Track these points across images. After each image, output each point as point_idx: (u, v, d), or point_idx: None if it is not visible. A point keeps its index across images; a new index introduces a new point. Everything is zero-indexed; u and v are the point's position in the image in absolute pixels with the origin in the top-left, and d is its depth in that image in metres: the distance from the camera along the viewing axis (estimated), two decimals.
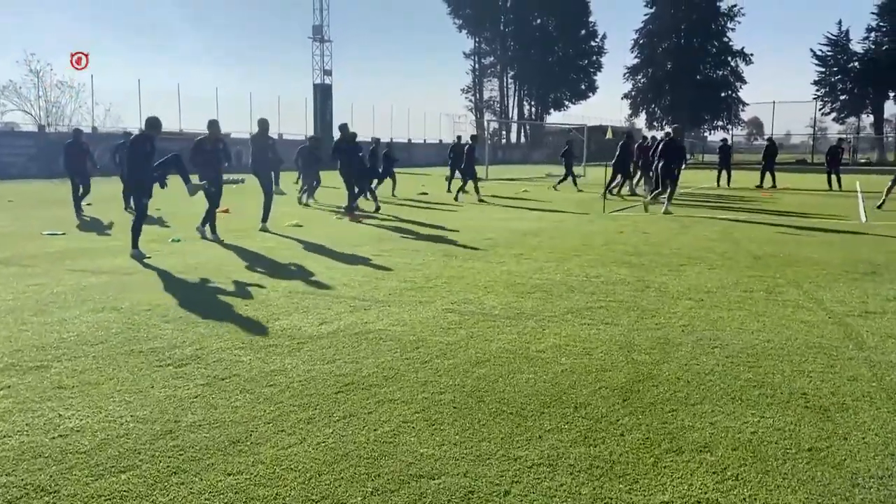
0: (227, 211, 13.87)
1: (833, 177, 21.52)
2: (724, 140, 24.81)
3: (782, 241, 9.66)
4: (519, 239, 10.07)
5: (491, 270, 7.50)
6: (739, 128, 69.48)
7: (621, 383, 3.89)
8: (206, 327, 5.09)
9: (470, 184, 17.44)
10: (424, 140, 52.90)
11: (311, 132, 49.22)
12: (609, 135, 15.62)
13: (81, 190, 13.61)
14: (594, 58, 71.68)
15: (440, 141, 53.12)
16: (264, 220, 11.15)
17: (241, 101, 42.44)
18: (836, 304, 5.78)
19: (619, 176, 18.48)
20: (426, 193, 19.38)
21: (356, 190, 13.52)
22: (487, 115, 69.03)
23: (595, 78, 71.97)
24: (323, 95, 49.26)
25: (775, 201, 17.12)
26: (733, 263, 7.84)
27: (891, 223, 11.80)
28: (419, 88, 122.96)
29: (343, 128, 13.42)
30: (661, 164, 13.70)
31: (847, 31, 59.45)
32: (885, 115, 61.97)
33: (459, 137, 17.55)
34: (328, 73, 49.52)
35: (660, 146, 14.24)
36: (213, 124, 10.07)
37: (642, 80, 67.75)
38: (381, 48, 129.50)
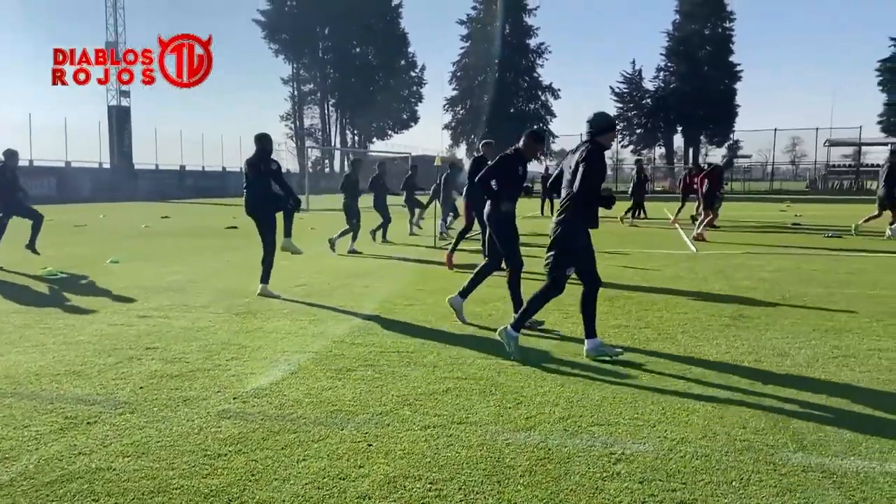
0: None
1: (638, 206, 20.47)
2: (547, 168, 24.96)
3: (628, 276, 8.82)
4: (342, 284, 8.31)
5: (300, 333, 5.68)
6: (549, 159, 73.28)
7: None
8: None
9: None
10: (241, 168, 49.40)
11: (105, 158, 43.81)
12: (437, 162, 14.36)
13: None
14: (415, 88, 72.05)
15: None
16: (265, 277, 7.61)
17: (19, 126, 36.48)
18: (721, 370, 4.69)
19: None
20: (236, 227, 16.94)
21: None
22: (309, 143, 66.58)
23: (416, 108, 72.36)
24: (120, 118, 44.37)
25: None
26: None
27: (719, 252, 11.65)
28: (234, 114, 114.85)
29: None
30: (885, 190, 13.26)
31: (640, 70, 64.90)
32: (674, 147, 68.33)
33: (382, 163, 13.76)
34: (126, 94, 44.61)
35: (885, 171, 13.41)
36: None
37: (461, 112, 69.09)
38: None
